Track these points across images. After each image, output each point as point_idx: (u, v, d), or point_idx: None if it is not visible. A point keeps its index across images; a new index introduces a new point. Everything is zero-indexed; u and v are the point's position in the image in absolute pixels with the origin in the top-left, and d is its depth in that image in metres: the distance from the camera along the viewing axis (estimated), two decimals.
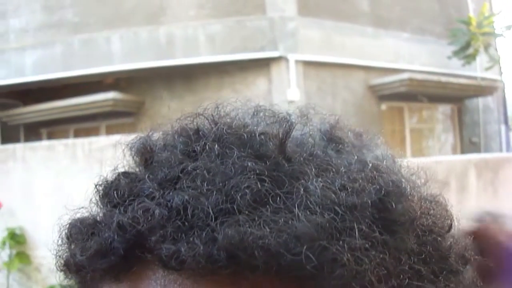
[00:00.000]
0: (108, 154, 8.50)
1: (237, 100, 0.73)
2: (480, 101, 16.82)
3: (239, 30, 12.63)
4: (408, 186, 0.63)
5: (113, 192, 0.63)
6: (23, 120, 14.09)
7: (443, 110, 16.48)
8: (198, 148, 0.62)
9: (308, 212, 0.54)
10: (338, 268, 0.52)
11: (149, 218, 0.56)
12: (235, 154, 0.59)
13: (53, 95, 13.09)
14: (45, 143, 8.56)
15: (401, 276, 0.56)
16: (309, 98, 11.88)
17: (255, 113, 0.70)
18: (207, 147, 0.62)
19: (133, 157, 0.69)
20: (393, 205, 0.59)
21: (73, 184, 7.27)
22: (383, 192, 0.59)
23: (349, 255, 0.52)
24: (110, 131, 13.08)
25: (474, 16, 14.95)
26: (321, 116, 0.72)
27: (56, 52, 13.68)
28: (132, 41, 13.15)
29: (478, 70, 15.59)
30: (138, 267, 0.58)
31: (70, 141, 7.55)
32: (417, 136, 15.62)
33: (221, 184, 0.57)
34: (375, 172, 0.62)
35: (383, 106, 14.18)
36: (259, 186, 0.56)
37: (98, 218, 0.63)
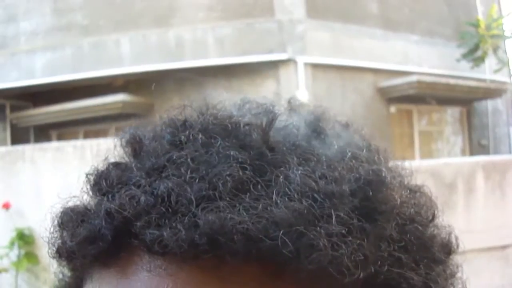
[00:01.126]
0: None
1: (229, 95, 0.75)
2: (489, 104, 16.73)
3: (248, 33, 12.64)
4: (389, 176, 0.64)
5: (103, 181, 0.65)
6: (33, 122, 14.12)
7: (452, 113, 16.42)
8: (184, 138, 0.64)
9: (286, 199, 0.56)
10: (314, 252, 0.53)
11: (135, 204, 0.58)
12: (219, 144, 0.61)
13: (63, 97, 13.12)
14: (54, 144, 8.59)
15: (379, 262, 0.57)
16: (318, 100, 11.84)
17: (241, 105, 0.72)
18: (192, 137, 0.64)
19: (123, 148, 0.71)
20: (373, 193, 0.60)
21: (82, 185, 7.26)
22: (362, 180, 0.60)
23: (325, 240, 0.54)
24: (119, 133, 13.07)
25: (483, 19, 14.92)
26: (307, 108, 0.74)
27: (66, 54, 13.72)
28: (142, 44, 13.17)
29: (487, 72, 15.52)
30: (125, 253, 0.59)
31: (79, 142, 7.58)
32: (426, 139, 15.56)
33: (204, 172, 0.59)
34: (354, 162, 0.63)
35: (392, 109, 14.14)
36: (241, 174, 0.58)
37: (88, 206, 0.65)
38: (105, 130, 13.59)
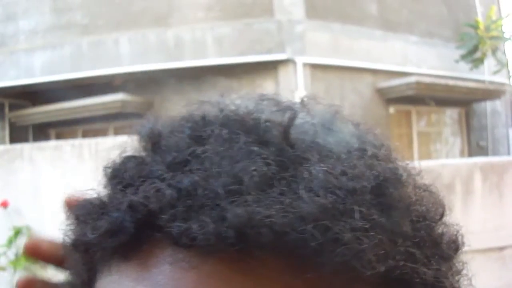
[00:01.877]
0: (115, 155, 8.49)
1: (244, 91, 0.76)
2: (488, 105, 16.77)
3: (247, 33, 12.66)
4: (404, 174, 0.66)
5: (122, 174, 0.66)
6: (32, 120, 14.14)
7: (450, 114, 16.45)
8: (205, 133, 0.65)
9: (312, 194, 0.57)
10: (339, 246, 0.55)
11: (161, 197, 0.59)
12: (242, 139, 0.62)
13: (62, 96, 13.13)
14: (52, 143, 8.59)
15: (397, 257, 0.58)
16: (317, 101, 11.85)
17: (259, 101, 0.72)
18: (214, 132, 0.64)
19: (140, 141, 0.71)
20: (390, 190, 0.62)
21: (80, 184, 7.28)
22: (381, 178, 0.62)
23: (350, 234, 0.55)
24: (118, 132, 13.10)
25: (482, 20, 14.94)
26: (322, 107, 0.75)
27: (65, 53, 13.74)
28: (141, 43, 13.19)
29: (486, 73, 15.55)
30: (147, 246, 0.60)
31: (77, 141, 7.58)
32: (424, 140, 15.59)
33: (229, 167, 0.60)
34: (373, 160, 0.65)
35: (391, 109, 14.17)
36: (266, 169, 0.59)
37: (106, 199, 0.65)
38: (104, 129, 13.62)
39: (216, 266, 0.56)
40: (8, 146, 8.57)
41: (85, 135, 13.38)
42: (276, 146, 0.62)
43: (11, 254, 6.85)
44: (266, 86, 12.23)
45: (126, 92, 12.87)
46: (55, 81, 13.36)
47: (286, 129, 0.64)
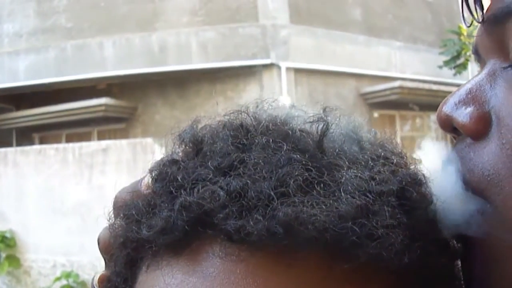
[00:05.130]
0: (98, 159, 8.54)
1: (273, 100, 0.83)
2: None
3: (232, 38, 12.67)
4: (423, 178, 0.74)
5: (171, 177, 0.72)
6: (16, 124, 14.10)
7: (434, 118, 16.36)
8: (247, 141, 0.72)
9: (348, 196, 0.65)
10: (373, 241, 0.63)
11: (215, 198, 0.65)
12: (283, 147, 0.69)
13: (46, 100, 13.11)
14: (36, 147, 8.58)
15: (418, 251, 0.66)
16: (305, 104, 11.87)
17: (290, 112, 0.80)
18: (256, 141, 0.71)
19: (184, 147, 0.77)
20: (411, 193, 0.70)
21: (64, 188, 7.28)
22: (403, 183, 0.70)
23: (381, 230, 0.64)
24: (102, 136, 13.08)
25: (465, 26, 15.00)
26: (346, 118, 0.82)
27: (49, 57, 13.71)
28: (125, 47, 13.18)
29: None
30: (197, 243, 0.66)
31: (61, 145, 7.59)
32: (408, 144, 15.60)
33: (274, 171, 0.67)
34: (396, 166, 0.74)
35: (375, 114, 14.24)
36: (307, 174, 0.67)
37: (155, 199, 0.72)
38: (88, 133, 13.59)
39: (262, 259, 0.64)
40: None
41: (69, 139, 13.35)
42: (311, 153, 0.70)
43: None
44: (250, 91, 12.25)
45: (110, 96, 12.87)
46: (39, 85, 13.32)
47: (320, 138, 0.73)
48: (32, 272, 7.05)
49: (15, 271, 6.90)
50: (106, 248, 0.77)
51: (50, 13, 13.93)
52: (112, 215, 0.78)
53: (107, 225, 0.77)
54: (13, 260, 6.77)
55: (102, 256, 0.80)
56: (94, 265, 7.96)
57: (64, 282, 8.15)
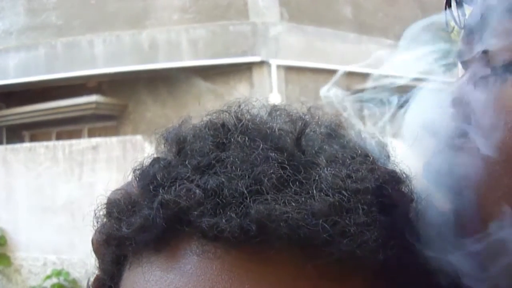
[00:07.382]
0: (88, 157, 8.54)
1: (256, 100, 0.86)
2: None
3: (222, 35, 12.65)
4: (402, 177, 0.76)
5: (152, 175, 0.74)
6: (6, 122, 14.04)
7: None
8: (226, 140, 0.74)
9: (322, 194, 0.67)
10: (345, 238, 0.65)
11: (192, 196, 0.67)
12: (260, 146, 0.71)
13: (36, 97, 13.05)
14: (26, 145, 8.57)
15: (394, 249, 0.67)
16: (291, 103, 11.86)
17: (272, 112, 0.83)
18: (235, 140, 0.73)
19: (167, 146, 0.80)
20: (389, 191, 0.71)
21: (54, 186, 7.27)
22: (380, 181, 0.71)
23: (354, 228, 0.65)
24: (92, 134, 13.05)
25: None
26: (327, 116, 0.87)
27: (39, 54, 13.65)
28: (115, 45, 13.14)
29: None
30: (175, 240, 0.68)
31: (51, 143, 7.59)
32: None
33: (250, 170, 0.68)
34: (374, 164, 0.75)
35: (366, 112, 14.24)
36: (282, 172, 0.68)
37: (136, 197, 0.74)
38: (78, 131, 13.55)
39: (238, 256, 0.65)
40: None
41: (59, 136, 13.30)
42: (289, 152, 0.72)
43: None
44: (241, 88, 12.24)
45: (100, 94, 12.83)
46: (29, 82, 13.27)
47: (297, 137, 0.74)
48: (23, 271, 7.04)
49: (5, 269, 6.89)
50: (98, 249, 0.79)
51: (40, 11, 13.88)
52: (101, 215, 0.79)
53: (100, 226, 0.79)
54: (4, 259, 6.76)
55: (96, 257, 0.81)
56: (85, 263, 7.95)
57: (54, 280, 8.15)
